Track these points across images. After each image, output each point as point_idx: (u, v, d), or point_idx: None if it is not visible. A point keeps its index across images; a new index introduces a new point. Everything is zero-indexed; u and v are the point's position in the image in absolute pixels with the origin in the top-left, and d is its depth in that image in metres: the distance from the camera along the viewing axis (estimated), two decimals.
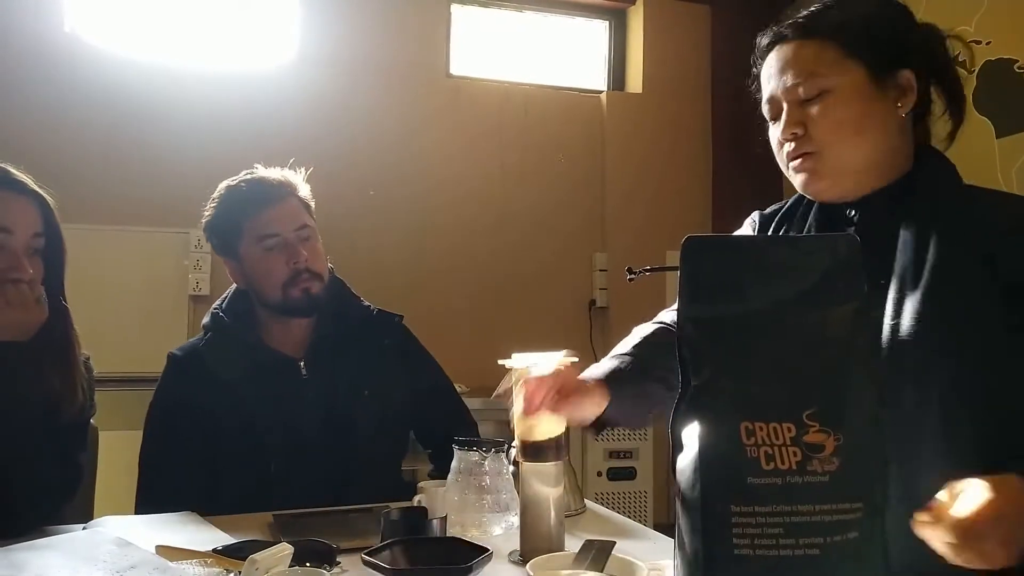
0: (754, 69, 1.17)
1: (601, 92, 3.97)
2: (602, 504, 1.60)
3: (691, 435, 0.81)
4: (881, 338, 0.96)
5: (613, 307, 3.76)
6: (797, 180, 1.11)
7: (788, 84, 1.08)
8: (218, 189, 1.70)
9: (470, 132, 3.73)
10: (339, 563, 1.08)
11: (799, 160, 1.08)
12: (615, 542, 1.00)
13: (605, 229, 3.86)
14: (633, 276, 1.29)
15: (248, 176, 1.68)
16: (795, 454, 0.76)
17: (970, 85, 3.19)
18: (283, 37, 3.53)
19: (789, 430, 0.77)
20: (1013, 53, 3.04)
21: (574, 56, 4.08)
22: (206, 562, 1.07)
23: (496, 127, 3.76)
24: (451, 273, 3.64)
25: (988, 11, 3.12)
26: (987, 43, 3.12)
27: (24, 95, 3.07)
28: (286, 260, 1.61)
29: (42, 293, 1.31)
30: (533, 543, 1.12)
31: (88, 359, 1.46)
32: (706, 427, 0.79)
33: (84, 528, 1.27)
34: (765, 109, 1.14)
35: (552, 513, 1.13)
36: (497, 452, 1.29)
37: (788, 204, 1.22)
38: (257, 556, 0.93)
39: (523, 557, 1.10)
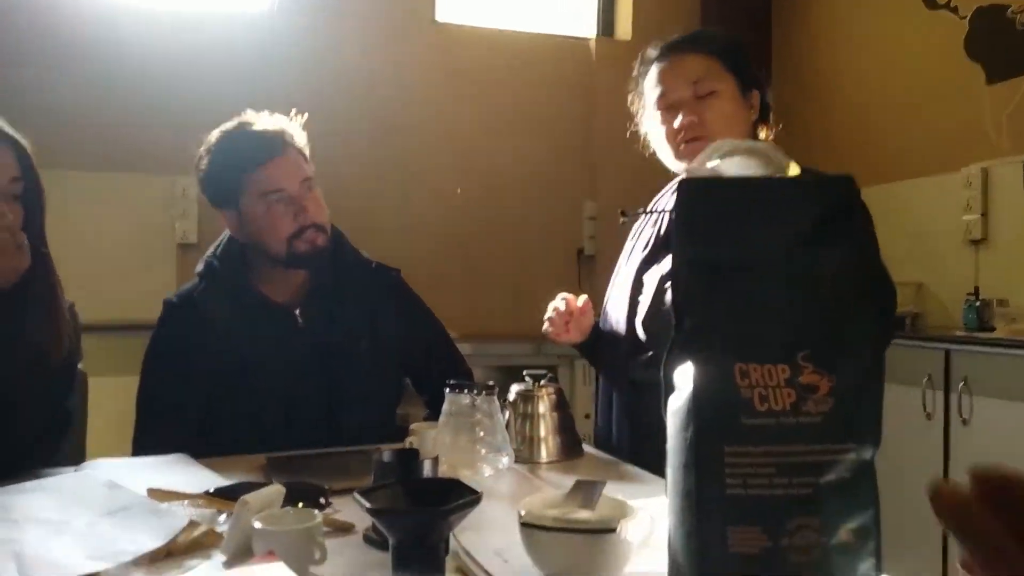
0: (635, 72, 1.61)
1: (590, 39, 3.91)
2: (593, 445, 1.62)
3: (684, 376, 0.80)
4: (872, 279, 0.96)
5: (601, 256, 3.76)
6: (687, 156, 1.46)
7: (686, 84, 1.47)
8: (210, 139, 1.61)
9: (457, 79, 3.67)
10: (331, 503, 1.09)
11: (692, 142, 1.45)
12: (605, 482, 1.01)
13: (594, 177, 3.84)
14: (626, 219, 1.29)
15: (243, 126, 1.60)
16: (789, 395, 0.76)
17: (961, 30, 3.15)
18: None
19: (783, 371, 0.77)
20: None
21: (563, 1, 4.01)
22: (198, 503, 1.07)
23: (483, 74, 3.70)
24: (439, 221, 3.61)
25: None
26: None
27: (2, 39, 2.99)
28: (293, 215, 1.57)
29: (24, 239, 1.29)
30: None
31: (72, 306, 1.44)
32: (700, 368, 0.79)
33: (76, 470, 1.27)
34: (658, 103, 1.53)
35: None
36: (488, 395, 1.30)
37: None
38: (249, 497, 0.93)
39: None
